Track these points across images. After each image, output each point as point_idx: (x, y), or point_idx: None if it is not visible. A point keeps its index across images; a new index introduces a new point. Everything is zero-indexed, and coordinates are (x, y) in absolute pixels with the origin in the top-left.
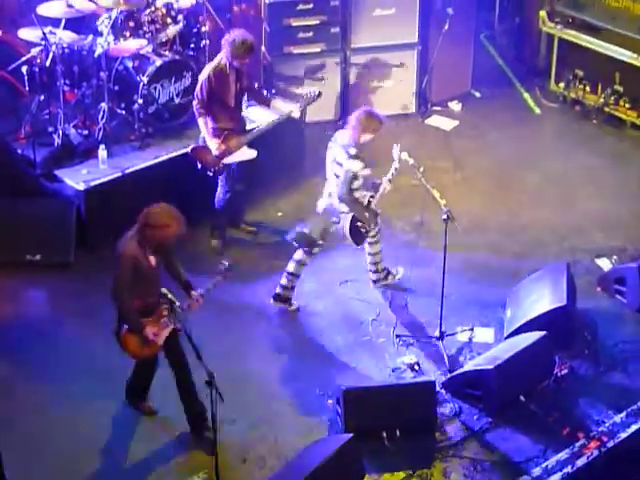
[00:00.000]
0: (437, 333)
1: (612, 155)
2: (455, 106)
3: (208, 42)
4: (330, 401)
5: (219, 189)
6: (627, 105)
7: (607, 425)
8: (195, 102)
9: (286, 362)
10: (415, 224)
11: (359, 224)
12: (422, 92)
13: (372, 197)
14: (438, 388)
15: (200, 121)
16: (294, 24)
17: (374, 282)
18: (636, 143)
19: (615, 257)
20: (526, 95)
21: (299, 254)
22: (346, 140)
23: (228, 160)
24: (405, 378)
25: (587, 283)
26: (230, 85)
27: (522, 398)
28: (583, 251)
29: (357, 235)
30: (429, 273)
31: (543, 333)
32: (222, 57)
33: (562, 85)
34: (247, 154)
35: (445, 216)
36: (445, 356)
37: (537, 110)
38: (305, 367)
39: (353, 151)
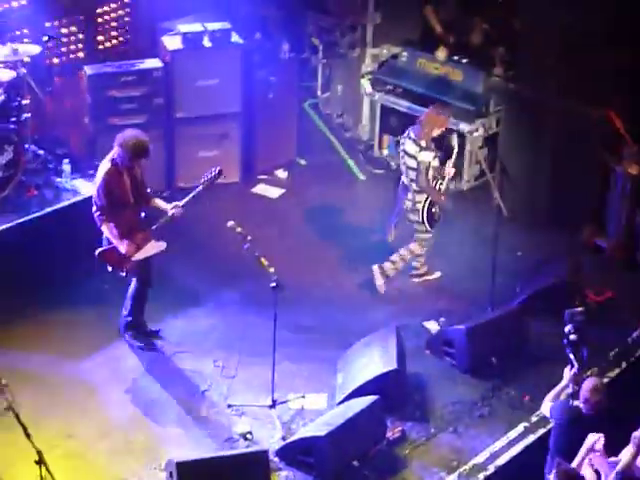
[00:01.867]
0: (269, 401)
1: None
2: (281, 174)
3: (29, 115)
4: (164, 474)
5: (132, 288)
6: None
7: None
8: (95, 209)
9: (118, 437)
10: (245, 292)
11: (434, 210)
12: (247, 161)
13: (441, 183)
14: (271, 456)
15: (104, 228)
16: (117, 95)
17: (412, 276)
18: (458, 207)
19: (442, 319)
20: (350, 162)
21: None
22: (416, 134)
23: (138, 256)
24: (238, 448)
25: (416, 346)
26: (125, 183)
27: (355, 463)
28: (411, 315)
29: (431, 220)
30: (260, 341)
31: (374, 397)
32: (114, 158)
33: (385, 151)
34: (156, 247)
35: (273, 285)
36: (278, 424)
37: (361, 176)
38: (137, 441)
39: (424, 144)
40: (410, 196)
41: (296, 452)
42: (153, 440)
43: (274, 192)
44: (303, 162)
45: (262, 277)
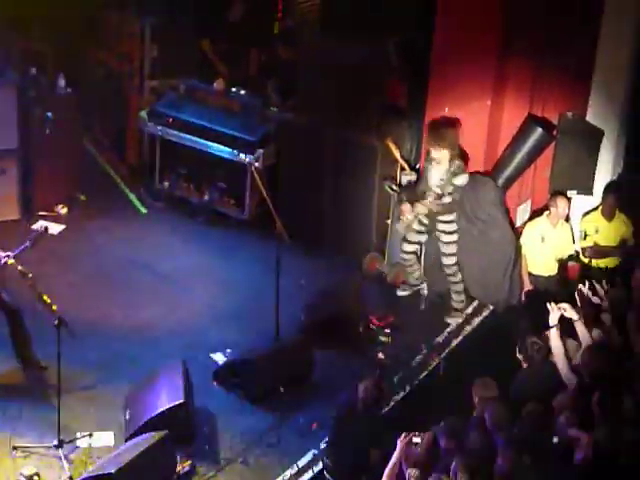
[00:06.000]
0: (56, 441)
1: (220, 250)
2: (61, 210)
3: None
4: None
5: None
6: (231, 201)
7: None
8: None
9: None
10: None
11: None
12: (26, 198)
13: None
14: None
15: None
16: None
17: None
18: (241, 237)
19: (229, 350)
20: (131, 195)
21: None
22: None
23: None
24: None
25: (203, 378)
26: None
27: None
28: (198, 347)
29: None
30: (42, 380)
31: (163, 432)
32: None
33: (167, 184)
34: None
35: (56, 322)
36: (65, 464)
37: (143, 210)
38: None
39: None
40: None
41: None
42: None
43: (55, 228)
44: (83, 197)
45: (44, 315)
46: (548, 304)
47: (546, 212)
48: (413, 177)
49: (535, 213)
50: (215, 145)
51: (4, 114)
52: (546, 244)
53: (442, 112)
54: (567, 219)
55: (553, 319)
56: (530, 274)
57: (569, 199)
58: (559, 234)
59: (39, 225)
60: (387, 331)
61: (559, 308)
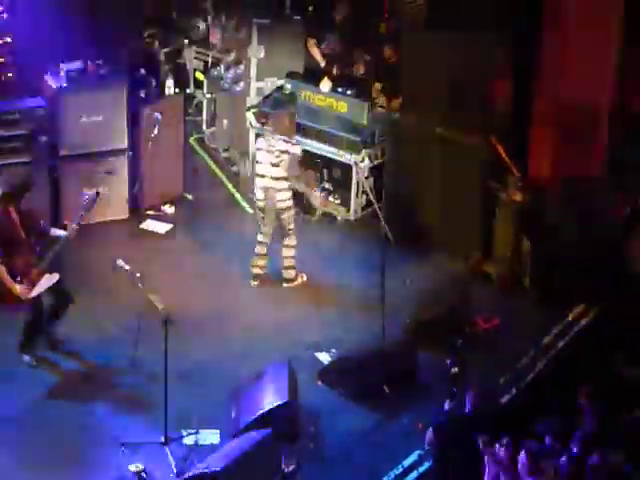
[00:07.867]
0: (162, 438)
1: (326, 250)
2: (168, 209)
3: None
4: None
5: (27, 316)
6: (337, 201)
7: None
8: None
9: None
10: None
11: None
12: (135, 197)
13: None
14: None
15: None
16: (1, 134)
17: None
18: (348, 237)
19: (333, 350)
20: (238, 195)
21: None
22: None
23: (36, 292)
24: None
25: (308, 377)
26: (14, 221)
27: None
28: (303, 346)
29: None
30: (152, 377)
31: (268, 431)
32: None
33: None
34: (50, 280)
35: (163, 320)
36: (172, 461)
37: (250, 209)
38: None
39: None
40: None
41: None
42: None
43: (162, 227)
44: (190, 196)
45: (152, 312)
46: None
47: None
48: (518, 177)
49: None
50: (321, 145)
51: (114, 114)
52: None
53: (549, 112)
54: None
55: None
56: None
57: None
58: None
59: (147, 224)
60: (460, 339)
61: None
